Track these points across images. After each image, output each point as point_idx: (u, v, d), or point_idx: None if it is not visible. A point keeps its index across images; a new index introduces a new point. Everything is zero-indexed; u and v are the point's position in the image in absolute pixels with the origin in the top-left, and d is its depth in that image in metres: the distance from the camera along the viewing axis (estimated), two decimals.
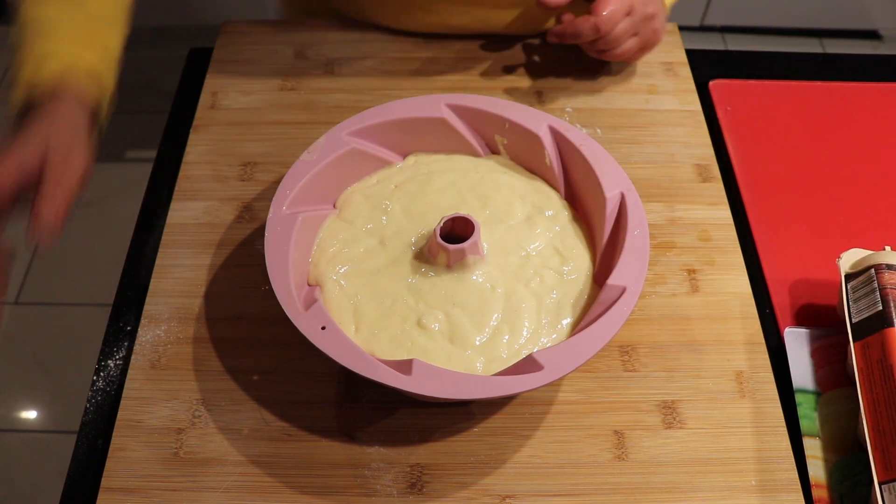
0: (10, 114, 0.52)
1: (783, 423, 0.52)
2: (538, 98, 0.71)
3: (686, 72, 0.74)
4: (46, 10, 0.54)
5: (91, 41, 0.55)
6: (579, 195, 0.56)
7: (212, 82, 0.72)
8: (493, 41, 0.75)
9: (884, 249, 0.54)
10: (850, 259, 0.55)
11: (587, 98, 0.71)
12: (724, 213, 0.63)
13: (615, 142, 0.68)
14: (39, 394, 1.35)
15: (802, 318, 0.58)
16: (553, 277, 0.52)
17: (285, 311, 0.46)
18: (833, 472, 0.50)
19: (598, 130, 0.69)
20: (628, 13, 0.65)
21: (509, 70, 0.73)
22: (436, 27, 0.74)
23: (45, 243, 0.47)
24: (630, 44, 0.67)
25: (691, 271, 0.60)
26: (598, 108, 0.70)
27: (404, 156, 0.59)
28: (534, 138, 0.56)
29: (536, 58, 0.74)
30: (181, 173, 0.65)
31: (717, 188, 0.65)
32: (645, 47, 0.69)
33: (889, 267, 0.52)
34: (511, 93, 0.71)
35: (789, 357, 0.55)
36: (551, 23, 0.74)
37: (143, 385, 0.53)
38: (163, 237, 0.61)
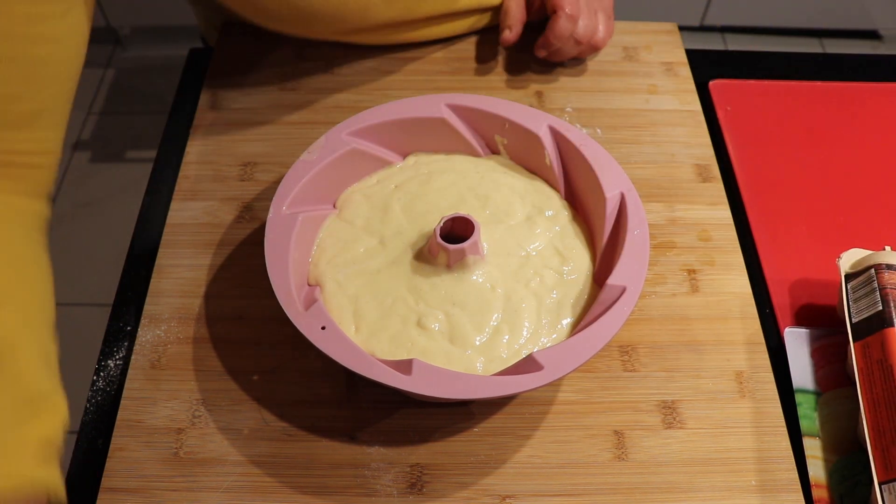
0: None
1: (783, 423, 0.52)
2: (538, 98, 0.71)
3: (686, 72, 0.74)
4: None
5: (29, 444, 0.42)
6: (579, 195, 0.56)
7: (212, 82, 0.72)
8: (493, 41, 0.75)
9: (884, 249, 0.54)
10: (850, 259, 0.55)
11: (587, 98, 0.71)
12: (724, 213, 0.63)
13: (615, 142, 0.68)
14: None
15: (802, 318, 0.58)
16: (553, 277, 0.52)
17: (285, 310, 0.46)
18: (833, 472, 0.50)
19: (598, 130, 0.69)
20: None
21: (509, 70, 0.73)
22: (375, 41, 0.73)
23: None
24: (601, 20, 0.69)
25: (691, 271, 0.60)
26: (598, 108, 0.70)
27: (404, 156, 0.59)
28: (534, 138, 0.56)
29: (536, 58, 0.74)
30: (181, 173, 0.65)
31: (717, 188, 0.65)
32: (610, 15, 0.71)
33: (889, 267, 0.52)
34: (511, 93, 0.71)
35: (789, 357, 0.55)
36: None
37: (143, 385, 0.53)
38: (163, 237, 0.61)
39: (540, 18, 0.73)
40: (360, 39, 0.71)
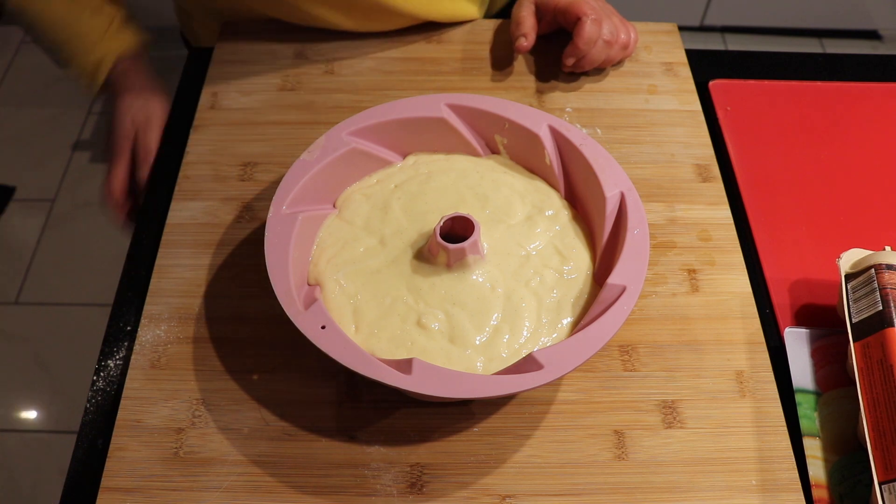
0: (92, 91, 0.72)
1: (783, 423, 0.52)
2: (538, 98, 0.71)
3: (686, 72, 0.74)
4: (68, 26, 0.70)
5: (111, 25, 0.71)
6: (579, 195, 0.56)
7: (212, 82, 0.72)
8: (493, 41, 0.75)
9: (884, 249, 0.54)
10: (850, 259, 0.55)
11: (587, 98, 0.71)
12: (724, 213, 0.63)
13: (615, 142, 0.68)
14: (39, 394, 1.35)
15: (802, 318, 0.58)
16: (553, 277, 0.52)
17: (285, 310, 0.46)
18: (833, 472, 0.50)
19: (598, 130, 0.69)
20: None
21: (509, 70, 0.73)
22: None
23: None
24: (620, 23, 0.71)
25: (691, 271, 0.60)
26: (598, 108, 0.70)
27: (404, 156, 0.59)
28: (534, 138, 0.56)
29: (536, 58, 0.74)
30: (181, 173, 0.65)
31: (717, 188, 0.65)
32: (623, 19, 0.72)
33: (889, 267, 0.52)
34: (511, 93, 0.71)
35: (789, 357, 0.55)
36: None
37: (143, 385, 0.53)
38: (163, 237, 0.61)
39: (550, 31, 0.74)
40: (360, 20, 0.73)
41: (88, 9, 0.70)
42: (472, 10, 0.77)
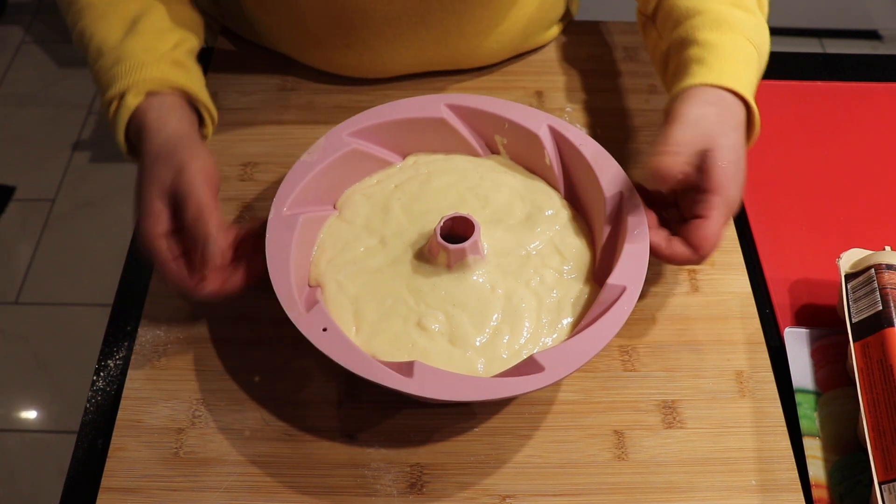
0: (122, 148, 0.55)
1: (783, 423, 0.52)
2: (538, 98, 0.71)
3: None
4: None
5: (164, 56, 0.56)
6: (579, 195, 0.56)
7: (212, 82, 0.71)
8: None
9: (884, 249, 0.54)
10: (850, 259, 0.55)
11: (587, 98, 0.71)
12: None
13: (615, 142, 0.68)
14: (39, 394, 1.35)
15: (802, 318, 0.58)
16: (553, 277, 0.52)
17: (287, 312, 0.46)
18: (833, 472, 0.50)
19: (598, 130, 0.69)
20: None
21: (509, 70, 0.73)
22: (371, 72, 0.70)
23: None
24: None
25: (691, 271, 0.60)
26: (598, 108, 0.70)
27: (404, 156, 0.59)
28: (534, 138, 0.56)
29: (536, 58, 0.74)
30: None
31: None
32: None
33: (889, 267, 0.52)
34: (511, 93, 0.71)
35: (789, 357, 0.55)
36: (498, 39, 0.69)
37: (143, 385, 0.53)
38: None
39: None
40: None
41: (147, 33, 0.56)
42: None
